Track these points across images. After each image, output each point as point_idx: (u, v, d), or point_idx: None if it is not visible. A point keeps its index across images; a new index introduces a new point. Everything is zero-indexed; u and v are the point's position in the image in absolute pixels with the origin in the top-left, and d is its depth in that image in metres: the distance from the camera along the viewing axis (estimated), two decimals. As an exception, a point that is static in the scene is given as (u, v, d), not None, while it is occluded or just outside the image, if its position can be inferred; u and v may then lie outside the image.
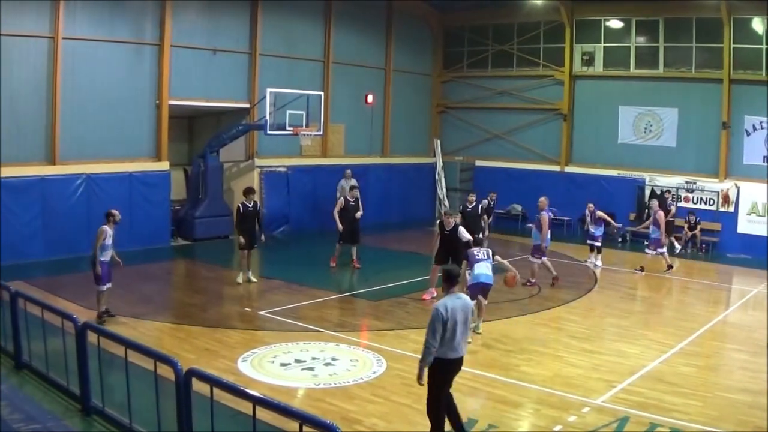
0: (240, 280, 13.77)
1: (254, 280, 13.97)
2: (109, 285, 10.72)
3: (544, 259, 14.59)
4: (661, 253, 16.44)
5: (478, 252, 10.79)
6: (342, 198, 15.80)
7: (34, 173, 14.94)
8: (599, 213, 17.03)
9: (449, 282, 6.60)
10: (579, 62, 22.30)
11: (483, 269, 10.55)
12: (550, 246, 16.61)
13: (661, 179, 20.61)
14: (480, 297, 10.56)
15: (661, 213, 16.63)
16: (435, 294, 12.38)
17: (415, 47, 24.52)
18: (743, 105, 19.25)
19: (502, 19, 23.52)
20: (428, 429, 6.82)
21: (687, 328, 11.53)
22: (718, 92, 19.58)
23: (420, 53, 24.82)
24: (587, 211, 17.26)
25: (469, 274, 10.76)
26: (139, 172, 16.78)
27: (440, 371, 6.46)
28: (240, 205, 13.78)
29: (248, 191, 13.84)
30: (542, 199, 14.85)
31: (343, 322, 11.47)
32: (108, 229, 10.58)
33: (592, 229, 17.08)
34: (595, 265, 16.96)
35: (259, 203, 14.14)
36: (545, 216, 14.44)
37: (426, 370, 6.50)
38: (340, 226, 15.28)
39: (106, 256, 10.61)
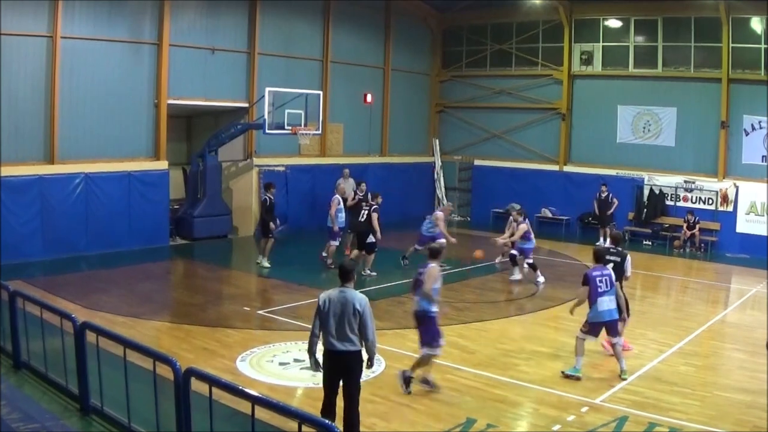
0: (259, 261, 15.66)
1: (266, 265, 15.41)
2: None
3: (333, 242, 15.38)
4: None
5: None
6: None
7: (33, 172, 14.90)
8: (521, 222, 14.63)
9: (341, 277, 6.92)
10: (578, 62, 22.29)
11: None
12: (548, 246, 16.71)
13: (660, 179, 20.61)
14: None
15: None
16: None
17: (414, 47, 24.50)
18: (742, 104, 19.23)
19: (501, 19, 23.52)
20: (428, 429, 6.84)
21: (686, 328, 11.55)
22: (717, 92, 19.56)
23: (419, 53, 24.79)
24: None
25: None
26: (138, 171, 16.75)
27: (325, 361, 6.71)
28: (267, 197, 15.54)
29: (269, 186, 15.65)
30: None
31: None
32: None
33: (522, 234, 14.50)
34: (514, 279, 14.72)
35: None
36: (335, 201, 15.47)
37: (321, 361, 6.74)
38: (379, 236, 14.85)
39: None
